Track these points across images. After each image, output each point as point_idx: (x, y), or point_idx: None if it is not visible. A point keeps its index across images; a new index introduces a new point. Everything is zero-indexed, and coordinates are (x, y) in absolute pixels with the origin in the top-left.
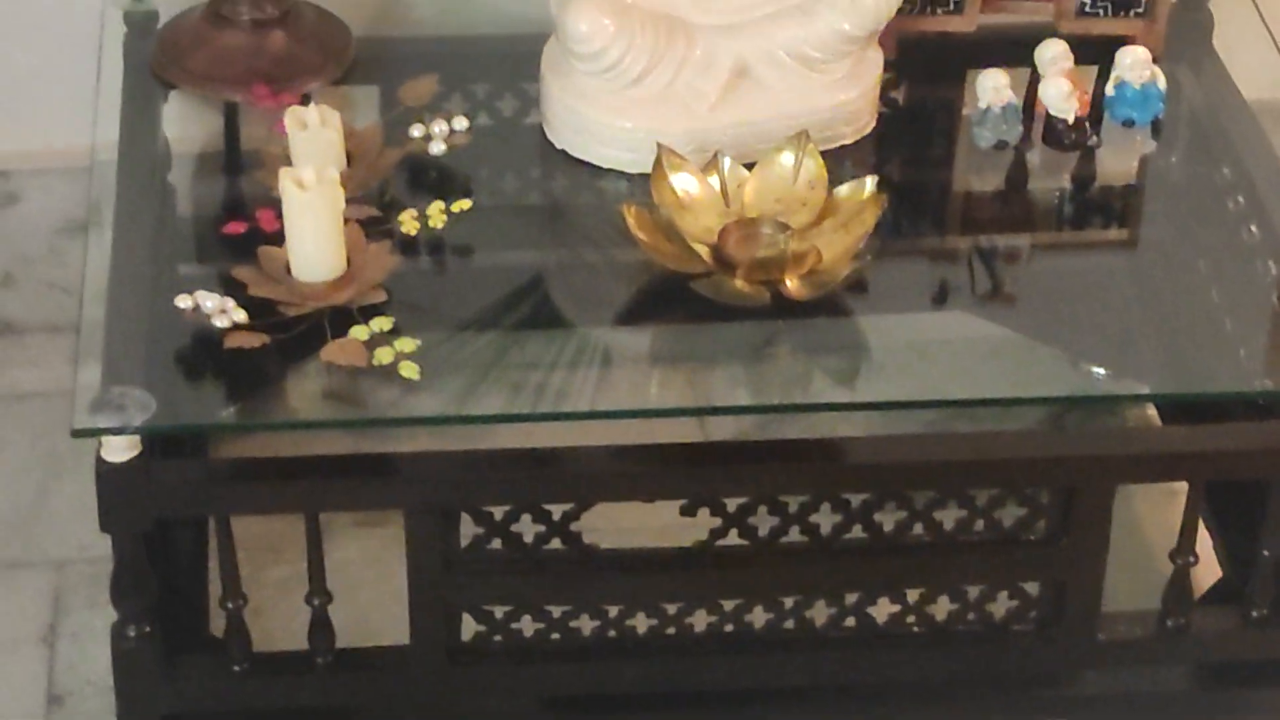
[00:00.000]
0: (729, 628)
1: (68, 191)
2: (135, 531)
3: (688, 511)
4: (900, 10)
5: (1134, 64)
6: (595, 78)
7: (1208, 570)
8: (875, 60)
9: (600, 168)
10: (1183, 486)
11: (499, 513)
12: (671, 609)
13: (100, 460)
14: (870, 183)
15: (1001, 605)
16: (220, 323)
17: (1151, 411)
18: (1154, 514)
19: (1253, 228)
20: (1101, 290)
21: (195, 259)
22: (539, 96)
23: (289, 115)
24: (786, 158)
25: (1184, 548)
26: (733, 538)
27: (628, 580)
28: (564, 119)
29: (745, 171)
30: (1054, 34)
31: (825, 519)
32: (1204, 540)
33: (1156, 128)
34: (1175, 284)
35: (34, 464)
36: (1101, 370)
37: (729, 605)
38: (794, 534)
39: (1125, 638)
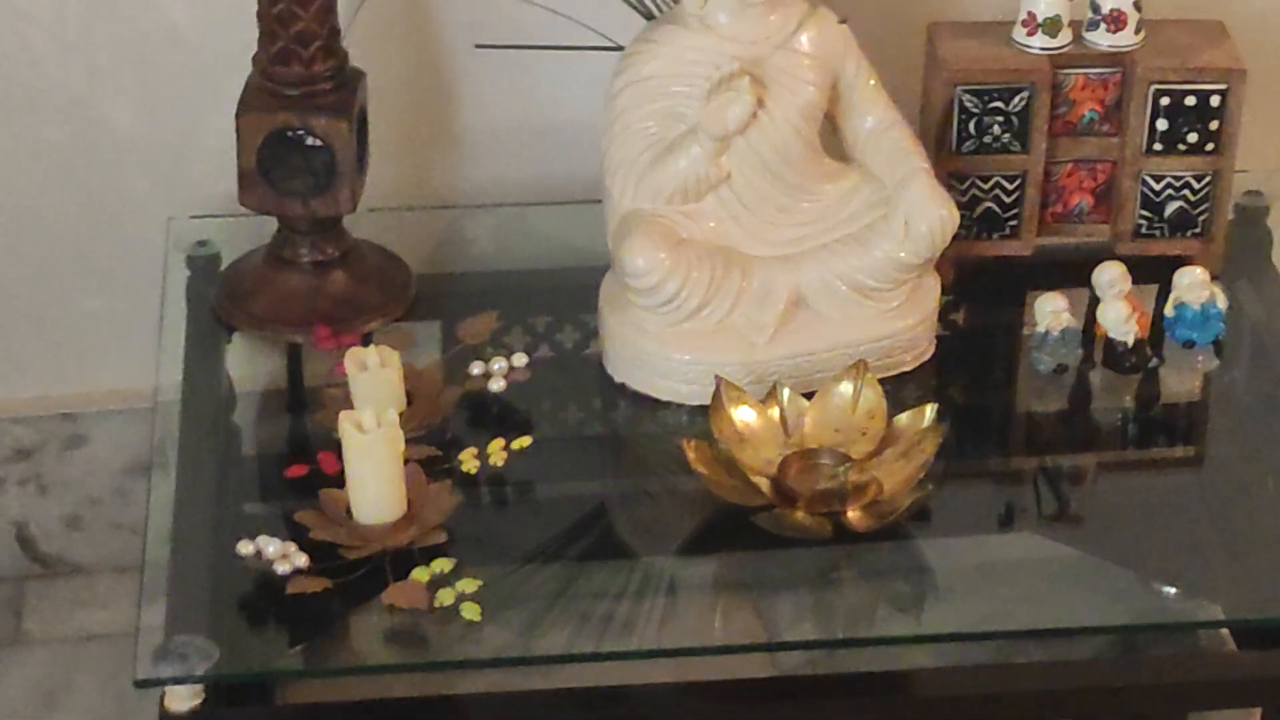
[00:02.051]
0: None
1: (133, 433)
2: None
3: None
4: (956, 235)
5: (1192, 284)
6: (652, 311)
7: None
8: (932, 287)
9: (660, 400)
10: (1257, 710)
11: None
12: None
13: (163, 710)
14: (930, 411)
15: None
16: (282, 568)
17: (1224, 632)
18: None
19: None
20: (1170, 512)
21: (258, 501)
22: (598, 329)
23: (349, 357)
24: (845, 387)
25: None
26: None
27: None
28: (622, 352)
29: (804, 402)
30: (1112, 256)
31: None
32: None
33: (1219, 347)
34: (1245, 504)
35: (103, 706)
36: (1173, 592)
37: None
38: None
39: None
